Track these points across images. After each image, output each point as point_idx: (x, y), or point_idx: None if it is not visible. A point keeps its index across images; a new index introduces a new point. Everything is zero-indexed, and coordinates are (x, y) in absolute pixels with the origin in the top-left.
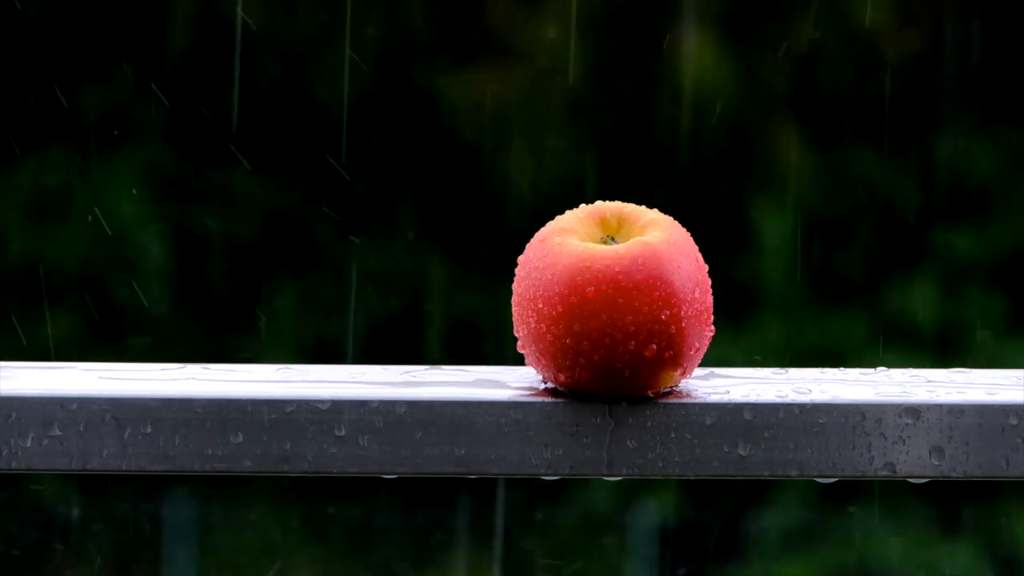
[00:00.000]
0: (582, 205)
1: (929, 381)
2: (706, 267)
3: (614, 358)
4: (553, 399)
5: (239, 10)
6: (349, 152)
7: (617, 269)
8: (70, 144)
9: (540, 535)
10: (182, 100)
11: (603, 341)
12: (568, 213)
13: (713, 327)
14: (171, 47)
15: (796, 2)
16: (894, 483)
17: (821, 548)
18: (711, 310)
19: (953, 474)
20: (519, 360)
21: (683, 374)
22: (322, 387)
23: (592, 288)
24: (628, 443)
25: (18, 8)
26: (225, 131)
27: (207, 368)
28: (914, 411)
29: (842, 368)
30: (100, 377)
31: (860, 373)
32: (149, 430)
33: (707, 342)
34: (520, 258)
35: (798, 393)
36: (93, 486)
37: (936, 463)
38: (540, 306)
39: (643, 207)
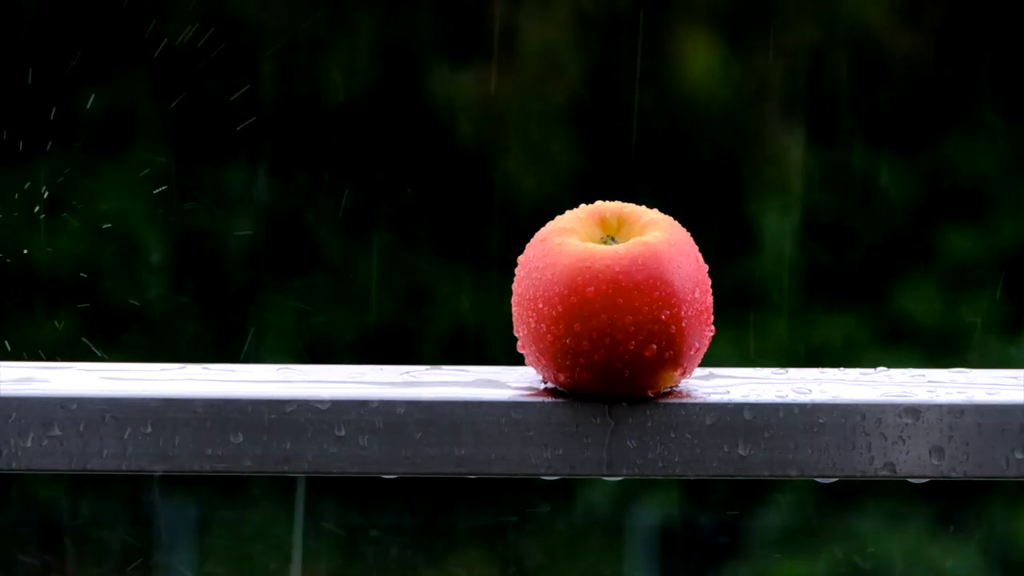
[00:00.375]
0: (582, 205)
1: (929, 381)
2: (706, 267)
3: (614, 358)
4: (553, 399)
5: (241, 10)
6: (349, 152)
7: (617, 269)
8: (70, 144)
9: (540, 535)
10: (182, 100)
11: (603, 341)
12: (568, 213)
13: (713, 327)
14: (172, 47)
15: (796, 2)
16: (894, 483)
17: (821, 548)
18: (711, 310)
19: (953, 474)
20: (519, 360)
21: (683, 374)
22: (322, 387)
23: (592, 288)
24: (628, 443)
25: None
26: (225, 131)
27: (207, 368)
28: (914, 411)
29: (842, 368)
30: (100, 377)
31: (860, 373)
32: (149, 430)
33: (707, 342)
34: (520, 258)
35: (798, 393)
36: (93, 486)
37: (936, 463)
38: (540, 306)
39: (643, 207)
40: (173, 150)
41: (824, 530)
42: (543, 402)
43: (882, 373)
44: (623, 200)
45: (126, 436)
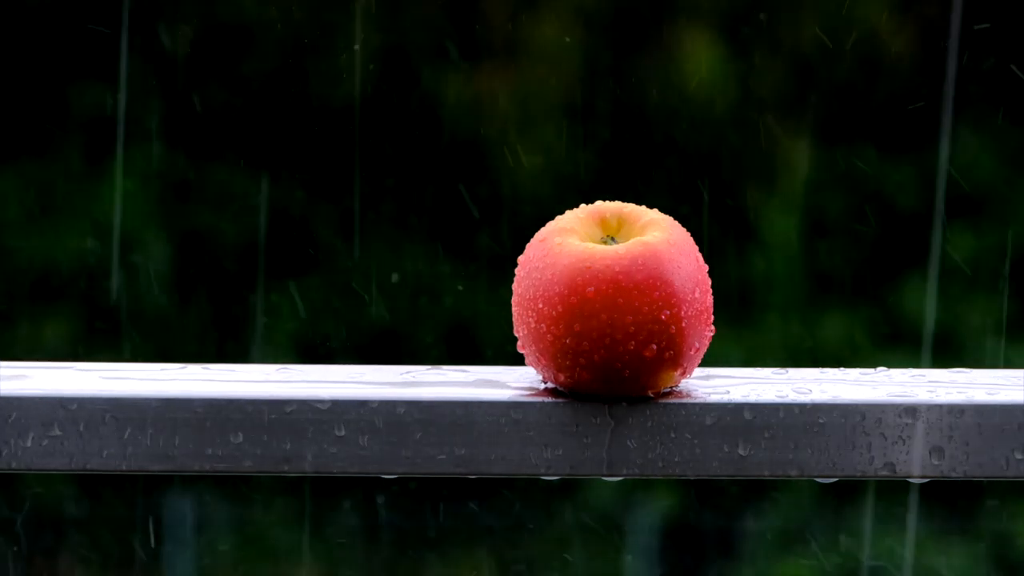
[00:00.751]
0: (582, 205)
1: (929, 381)
2: (706, 267)
3: (614, 358)
4: (553, 399)
5: (241, 9)
6: (349, 152)
7: (617, 269)
8: (70, 144)
9: (540, 535)
10: (183, 100)
11: (603, 341)
12: (568, 213)
13: (713, 327)
14: (172, 46)
15: (797, 1)
16: (894, 483)
17: (821, 548)
18: (711, 310)
19: (953, 474)
20: (519, 360)
21: (683, 374)
22: (322, 387)
23: (592, 288)
24: (628, 443)
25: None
26: (226, 131)
27: (207, 368)
28: (914, 411)
29: (842, 368)
30: (100, 377)
31: (860, 373)
32: (149, 430)
33: (707, 342)
34: (520, 258)
35: (798, 393)
36: (93, 486)
37: (936, 463)
38: (540, 306)
39: (643, 207)
40: (173, 150)
41: (824, 530)
42: (543, 402)
43: (882, 373)
44: (623, 200)
45: (126, 436)
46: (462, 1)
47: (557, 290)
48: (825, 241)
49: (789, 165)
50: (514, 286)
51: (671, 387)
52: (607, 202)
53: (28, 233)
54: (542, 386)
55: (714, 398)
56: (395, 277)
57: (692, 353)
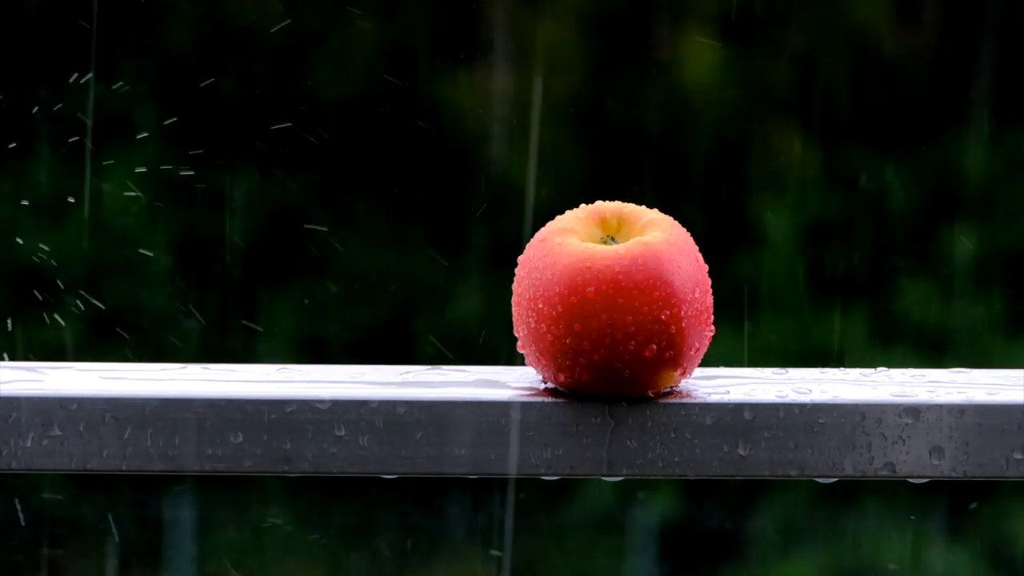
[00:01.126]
0: (582, 205)
1: (929, 381)
2: (706, 267)
3: (614, 358)
4: (553, 399)
5: (239, 9)
6: (349, 152)
7: (617, 269)
8: (70, 144)
9: (540, 535)
10: (183, 100)
11: (603, 341)
12: (568, 213)
13: (713, 327)
14: (171, 46)
15: (797, 2)
16: (894, 483)
17: (821, 548)
18: (711, 310)
19: (953, 474)
20: (519, 360)
21: (683, 374)
22: (322, 387)
23: (592, 288)
24: (628, 443)
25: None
26: (225, 131)
27: (207, 368)
28: (914, 411)
29: (842, 368)
30: (100, 377)
31: (860, 373)
32: (149, 430)
33: (707, 342)
34: (520, 258)
35: (798, 393)
36: (93, 486)
37: (936, 463)
38: (540, 306)
39: (643, 207)
40: (173, 150)
41: (824, 530)
42: (543, 402)
43: (882, 373)
44: (623, 200)
45: (126, 436)
46: (462, 1)
47: (557, 290)
48: (825, 241)
49: (789, 165)
50: (514, 286)
51: (671, 387)
52: (607, 202)
53: (28, 233)
54: (542, 386)
55: (714, 398)
56: (395, 277)
57: (692, 353)
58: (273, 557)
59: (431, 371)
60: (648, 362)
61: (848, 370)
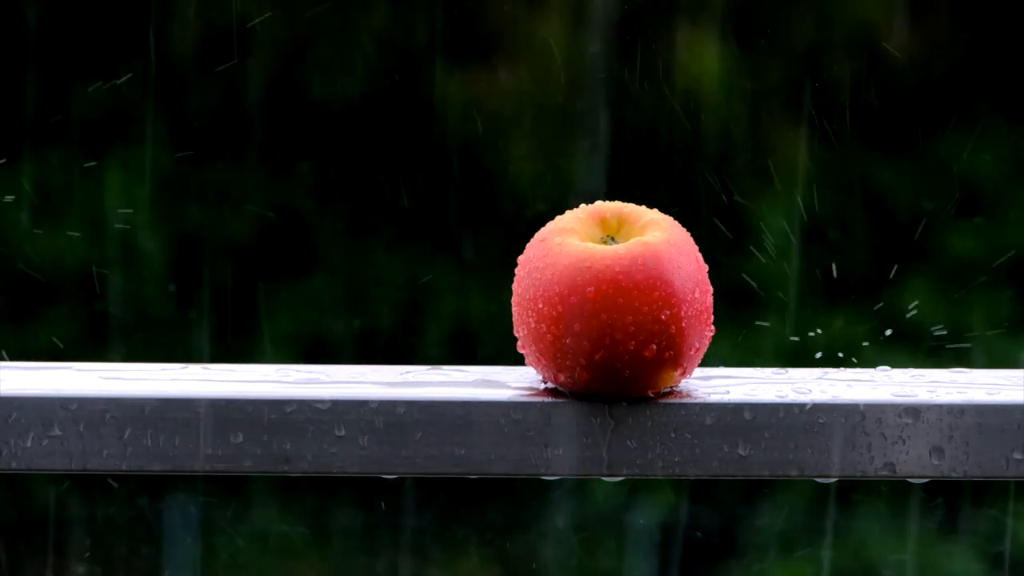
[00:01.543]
0: (582, 205)
1: (929, 381)
2: (706, 267)
3: (614, 358)
4: (553, 399)
5: (239, 9)
6: (349, 152)
7: (617, 269)
8: (70, 144)
9: (539, 535)
10: (182, 100)
11: (603, 341)
12: (568, 213)
13: (713, 327)
14: (171, 46)
15: (798, 1)
16: (894, 483)
17: (821, 548)
18: (711, 310)
19: (953, 474)
20: (519, 360)
21: (683, 374)
22: (322, 387)
23: (592, 288)
24: (628, 443)
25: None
26: (224, 131)
27: (207, 368)
28: (914, 411)
29: (842, 368)
30: (100, 377)
31: (860, 373)
32: (149, 430)
33: (707, 342)
34: (520, 258)
35: (798, 393)
36: (93, 486)
37: (936, 463)
38: (540, 306)
39: (643, 207)
40: (173, 150)
41: (824, 530)
42: (543, 402)
43: (882, 373)
44: (623, 200)
45: (126, 436)
46: (463, 1)
47: (557, 290)
48: (825, 241)
49: (789, 165)
50: (514, 286)
51: (671, 387)
52: (607, 202)
53: (28, 233)
54: (542, 386)
55: (714, 398)
56: (395, 277)
57: (692, 353)
58: (273, 557)
59: (431, 371)
60: (648, 362)
61: (848, 370)
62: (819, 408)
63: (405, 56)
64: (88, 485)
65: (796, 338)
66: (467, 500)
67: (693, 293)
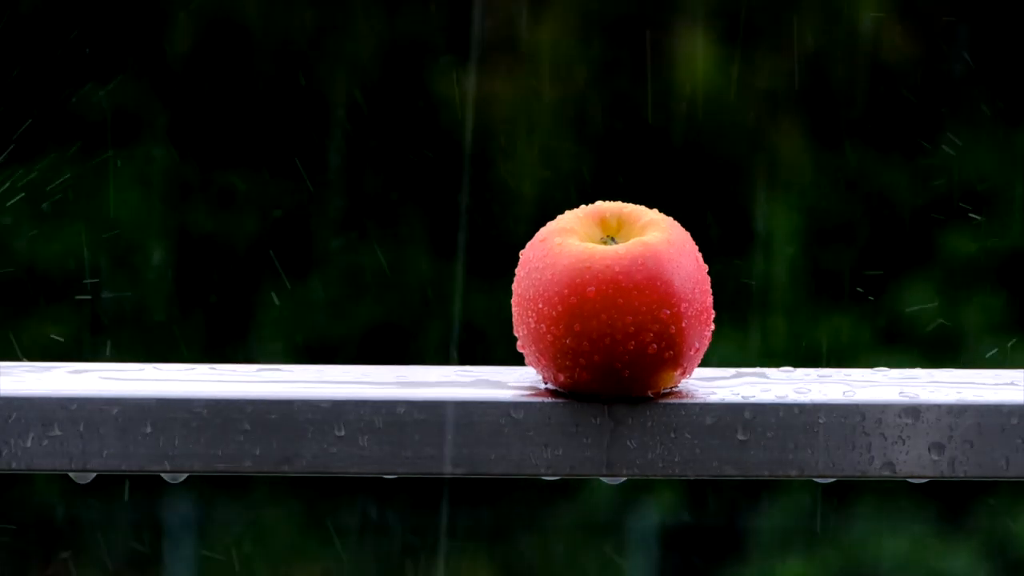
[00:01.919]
0: (582, 205)
1: (929, 381)
2: (706, 267)
3: (614, 358)
4: (553, 399)
5: (241, 11)
6: (350, 152)
7: (617, 269)
8: (73, 144)
9: (540, 535)
10: (184, 101)
11: (603, 341)
12: (568, 213)
13: (713, 327)
14: (174, 48)
15: (797, 2)
16: (894, 483)
17: (821, 548)
18: (711, 310)
19: (953, 474)
20: (519, 360)
21: (683, 374)
22: (322, 387)
23: (592, 288)
24: (628, 443)
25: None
26: (225, 132)
27: (208, 368)
28: (914, 411)
29: (842, 368)
30: (100, 377)
31: (860, 373)
32: (149, 430)
33: (707, 342)
34: (520, 258)
35: (798, 393)
36: (93, 486)
37: (936, 463)
38: (540, 306)
39: (643, 207)
40: (175, 150)
41: (824, 530)
42: (543, 402)
43: (882, 373)
44: (623, 200)
45: (126, 436)
46: (463, 1)
47: (557, 290)
48: (825, 241)
49: (789, 165)
50: (514, 286)
51: (671, 387)
52: (607, 202)
53: (29, 233)
54: (542, 386)
55: (714, 398)
56: (395, 277)
57: (692, 353)
58: (273, 557)
59: (431, 371)
60: (648, 362)
61: (848, 370)
62: (819, 408)
63: (408, 56)
64: (88, 485)
65: (796, 338)
66: (467, 500)
67: (693, 293)
